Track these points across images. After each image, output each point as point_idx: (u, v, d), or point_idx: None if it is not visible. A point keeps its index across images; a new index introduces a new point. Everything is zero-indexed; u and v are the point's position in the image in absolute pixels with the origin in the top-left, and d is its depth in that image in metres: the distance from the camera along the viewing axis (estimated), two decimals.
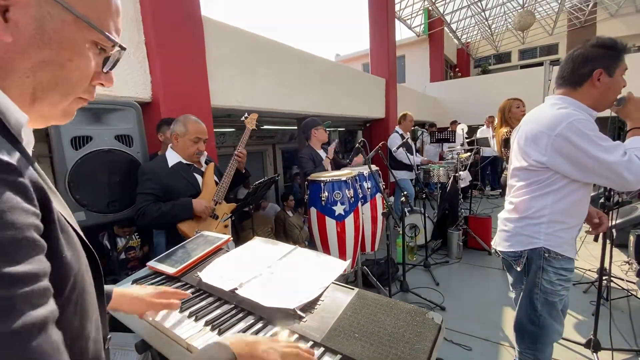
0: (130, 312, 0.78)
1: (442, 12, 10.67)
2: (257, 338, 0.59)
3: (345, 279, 3.15)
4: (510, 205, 1.45)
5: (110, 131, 1.83)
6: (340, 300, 0.76)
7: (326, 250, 2.40)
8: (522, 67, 13.77)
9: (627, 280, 2.80)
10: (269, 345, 0.58)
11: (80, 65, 0.43)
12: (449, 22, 11.57)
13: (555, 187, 1.27)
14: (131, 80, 2.39)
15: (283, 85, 3.82)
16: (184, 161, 1.78)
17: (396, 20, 8.05)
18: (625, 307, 2.46)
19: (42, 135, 1.78)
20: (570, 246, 1.34)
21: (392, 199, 5.06)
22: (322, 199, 2.30)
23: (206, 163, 1.93)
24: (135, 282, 1.03)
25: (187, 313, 0.82)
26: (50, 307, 0.32)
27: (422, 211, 3.70)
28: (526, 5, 11.06)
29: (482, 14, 11.59)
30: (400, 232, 3.04)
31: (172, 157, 1.78)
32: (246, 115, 2.07)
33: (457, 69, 14.33)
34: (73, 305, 0.39)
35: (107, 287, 0.74)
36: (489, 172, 7.07)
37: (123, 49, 0.48)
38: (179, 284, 0.99)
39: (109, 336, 0.54)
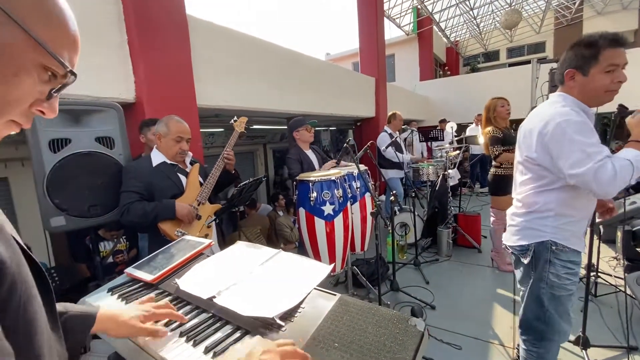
0: (117, 336, 0.73)
1: (430, 10, 10.73)
2: (251, 349, 0.55)
3: (336, 280, 3.14)
4: (517, 201, 1.48)
5: (90, 133, 1.77)
6: (321, 307, 0.74)
7: (315, 250, 2.38)
8: (511, 65, 13.93)
9: (615, 276, 2.84)
10: (260, 353, 0.54)
11: (25, 84, 0.41)
12: (437, 20, 11.64)
13: (559, 183, 1.29)
14: (113, 81, 2.33)
15: (272, 84, 3.78)
16: (168, 161, 1.79)
17: (385, 19, 8.06)
18: (614, 303, 2.49)
19: (24, 138, 1.71)
20: (577, 239, 1.35)
21: (382, 197, 5.07)
22: (311, 199, 2.28)
23: (191, 164, 1.91)
24: (111, 290, 0.98)
25: (161, 323, 0.79)
26: None
27: (412, 210, 3.71)
28: (513, 3, 11.19)
29: (470, 12, 11.69)
30: (390, 231, 3.04)
31: (157, 157, 1.79)
32: (235, 118, 2.05)
33: (447, 68, 14.44)
34: (14, 310, 0.35)
35: (90, 309, 0.70)
36: (479, 170, 7.14)
37: (74, 75, 0.46)
38: (157, 291, 0.96)
39: None
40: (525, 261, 1.41)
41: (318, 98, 4.66)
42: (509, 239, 1.51)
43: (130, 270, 1.05)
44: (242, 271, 0.92)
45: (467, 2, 10.93)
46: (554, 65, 5.62)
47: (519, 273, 1.54)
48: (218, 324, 0.77)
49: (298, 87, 4.22)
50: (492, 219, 3.20)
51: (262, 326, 0.72)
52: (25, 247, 0.43)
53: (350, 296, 2.32)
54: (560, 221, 1.32)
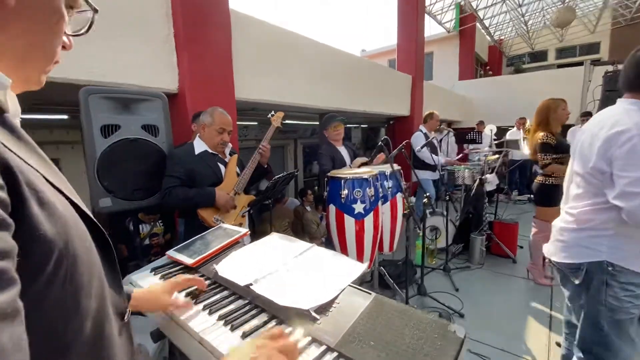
0: (149, 312, 0.81)
1: (474, 7, 10.24)
2: (246, 351, 0.53)
3: (361, 279, 3.11)
4: (569, 216, 1.37)
5: (138, 120, 1.88)
6: (357, 305, 0.74)
7: (344, 248, 2.37)
8: (559, 66, 13.01)
9: None
10: (259, 347, 0.53)
11: (62, 29, 0.43)
12: (482, 17, 11.10)
13: None
14: (159, 72, 2.45)
15: (308, 80, 3.80)
16: (210, 150, 1.87)
17: (426, 15, 7.80)
18: None
19: (76, 123, 1.85)
20: (636, 259, 1.24)
21: (413, 199, 4.95)
22: (342, 196, 2.27)
23: (230, 154, 1.99)
24: (154, 270, 1.04)
25: (201, 306, 0.82)
26: (7, 296, 0.28)
27: (445, 213, 3.59)
28: (567, 0, 10.41)
29: (519, 9, 11.02)
30: (421, 233, 2.96)
31: (199, 146, 1.87)
32: (272, 113, 2.08)
33: (488, 67, 13.76)
34: (60, 282, 0.37)
35: (126, 288, 0.74)
36: (517, 177, 6.76)
37: (96, 11, 0.48)
38: (197, 274, 1.00)
39: (127, 310, 0.54)
40: (577, 281, 1.32)
41: (353, 94, 4.62)
42: (556, 254, 1.41)
43: (171, 252, 1.10)
44: (278, 262, 0.93)
45: (515, 0, 10.31)
46: (610, 67, 5.17)
47: (567, 291, 1.45)
48: (254, 312, 0.79)
49: (333, 83, 4.21)
50: (533, 229, 3.01)
51: (297, 317, 0.73)
52: (83, 207, 0.45)
53: None
54: (618, 241, 1.22)
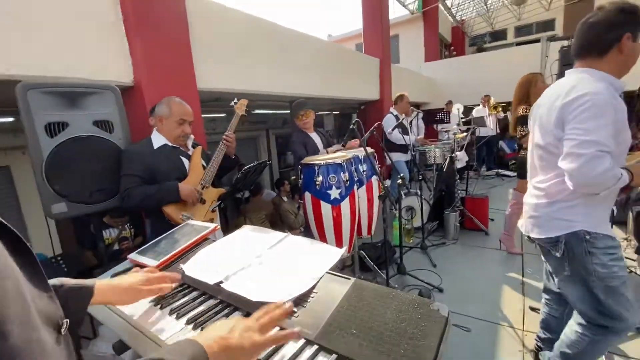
0: (118, 303, 0.76)
1: None
2: (225, 329, 0.54)
3: (342, 264, 3.12)
4: (538, 190, 1.37)
5: (88, 116, 1.72)
6: (336, 292, 0.70)
7: (322, 235, 2.35)
8: (519, 44, 13.51)
9: (626, 257, 2.78)
10: (242, 329, 0.54)
11: None
12: None
13: None
14: (110, 62, 2.24)
15: (274, 66, 3.66)
16: (170, 144, 1.74)
17: None
18: None
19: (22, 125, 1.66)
20: (606, 224, 1.28)
21: (388, 181, 5.01)
22: (317, 183, 2.22)
23: (193, 147, 1.86)
24: (115, 276, 0.95)
25: (168, 310, 0.75)
26: None
27: (419, 193, 3.65)
28: None
29: None
30: (397, 214, 2.99)
31: (158, 140, 1.74)
32: (235, 100, 1.98)
33: (452, 48, 14.05)
34: None
35: (87, 281, 0.71)
36: (485, 153, 7.02)
37: None
38: None
39: (63, 321, 0.48)
40: (558, 254, 1.31)
41: (321, 80, 4.53)
42: (533, 230, 1.41)
43: (133, 256, 1.01)
44: (250, 255, 0.88)
45: None
46: (565, 42, 5.42)
47: (550, 265, 1.46)
48: (227, 311, 0.73)
49: (301, 69, 4.09)
50: (512, 201, 3.08)
51: None
52: None
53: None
54: (590, 208, 1.24)
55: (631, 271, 2.57)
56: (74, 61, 2.04)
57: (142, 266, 0.97)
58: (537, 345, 1.81)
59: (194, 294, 0.81)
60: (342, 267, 3.12)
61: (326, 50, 4.80)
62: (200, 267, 0.87)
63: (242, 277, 0.79)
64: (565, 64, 5.13)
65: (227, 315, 0.72)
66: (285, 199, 4.56)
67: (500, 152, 7.65)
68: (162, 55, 2.43)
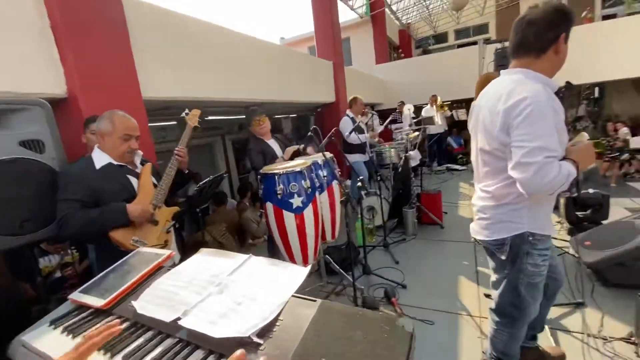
0: None
1: None
2: None
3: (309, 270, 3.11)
4: (485, 193, 1.37)
5: (12, 137, 1.50)
6: (302, 318, 0.68)
7: (286, 244, 2.31)
8: (459, 46, 14.54)
9: (560, 239, 3.11)
10: None
11: None
12: (389, 2, 11.72)
13: None
14: (38, 73, 2.01)
15: (224, 72, 3.54)
16: (115, 162, 1.57)
17: (338, 1, 7.91)
18: (560, 264, 2.73)
19: None
20: (549, 223, 1.32)
21: (349, 182, 5.10)
22: (278, 192, 2.18)
23: (142, 164, 1.71)
24: (54, 322, 0.84)
25: (119, 358, 0.68)
26: None
27: (378, 193, 3.76)
28: None
29: None
30: (359, 215, 3.05)
31: (100, 158, 1.56)
32: (187, 111, 1.86)
33: (400, 50, 14.71)
34: None
35: None
36: (435, 149, 7.46)
37: None
38: (111, 317, 0.83)
39: None
40: (503, 257, 1.34)
41: (275, 84, 4.48)
42: (480, 232, 1.42)
43: (75, 295, 0.91)
44: (209, 284, 0.83)
45: None
46: (498, 45, 5.94)
47: (492, 263, 1.49)
48: (186, 351, 0.68)
49: (254, 74, 4.01)
50: None
51: (238, 347, 0.64)
52: None
53: (325, 285, 2.29)
54: (535, 210, 1.26)
55: (565, 252, 2.87)
56: None
57: (86, 307, 0.88)
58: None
59: (149, 334, 0.75)
60: (309, 274, 3.10)
61: (279, 54, 4.76)
62: (155, 302, 0.80)
63: (202, 310, 0.74)
64: (500, 64, 5.64)
65: (187, 357, 0.66)
66: (247, 206, 4.44)
67: (448, 147, 8.17)
68: (98, 62, 2.23)
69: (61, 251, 2.66)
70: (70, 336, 0.78)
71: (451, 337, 2.10)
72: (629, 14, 10.06)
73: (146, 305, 0.80)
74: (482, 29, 15.55)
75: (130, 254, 1.08)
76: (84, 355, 0.59)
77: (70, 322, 0.83)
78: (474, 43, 9.42)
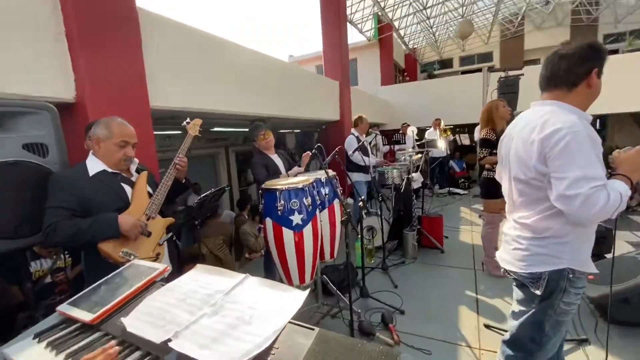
0: None
1: (390, 17, 11.07)
2: None
3: (305, 290, 3.04)
4: (522, 226, 1.30)
5: (17, 139, 1.50)
6: (298, 347, 0.65)
7: (283, 262, 2.27)
8: (463, 72, 14.86)
9: None
10: None
11: None
12: (397, 27, 12.06)
13: None
14: (49, 78, 2.04)
15: (233, 85, 3.59)
16: (109, 169, 1.53)
17: (348, 23, 8.15)
18: None
19: None
20: (590, 260, 1.24)
21: (350, 200, 5.08)
22: (279, 208, 2.16)
23: (137, 172, 1.66)
24: (38, 336, 0.81)
25: None
26: None
27: (379, 213, 3.73)
28: (465, 15, 11.93)
29: (427, 21, 12.26)
30: (359, 235, 3.01)
31: (94, 165, 1.52)
32: (188, 120, 1.86)
33: (406, 74, 15.02)
34: None
35: None
36: (437, 172, 7.46)
37: None
38: (99, 333, 0.80)
39: None
40: (538, 292, 1.24)
41: (281, 100, 4.54)
42: (513, 263, 1.33)
43: (63, 307, 0.87)
44: (203, 304, 0.79)
45: (424, 12, 11.45)
46: (502, 74, 6.07)
47: (519, 294, 1.38)
48: None
49: (261, 89, 4.07)
50: (483, 223, 3.19)
51: None
52: None
53: (320, 306, 2.22)
54: (577, 245, 1.20)
55: None
56: (6, 76, 1.82)
57: (74, 320, 0.84)
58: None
59: (137, 354, 0.71)
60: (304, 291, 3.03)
61: (287, 71, 4.85)
62: (145, 320, 0.77)
63: (194, 332, 0.71)
64: (502, 92, 5.75)
65: None
66: (246, 218, 4.40)
67: (450, 171, 8.18)
68: (110, 70, 2.27)
69: (54, 255, 2.61)
70: (54, 352, 0.75)
71: None
72: (630, 51, 10.34)
73: (136, 323, 0.76)
74: (486, 57, 15.94)
75: (125, 266, 1.05)
76: None
77: (56, 336, 0.80)
78: (479, 70, 9.63)
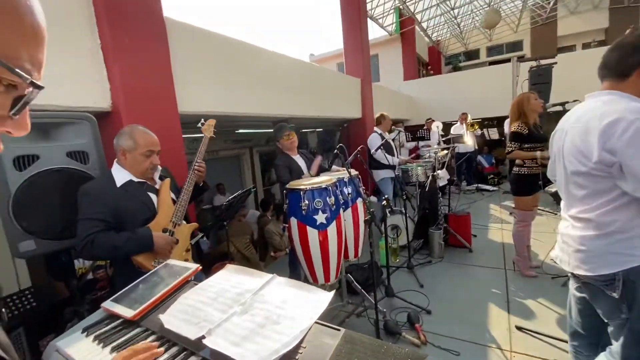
0: None
1: (412, 10, 10.82)
2: None
3: (330, 288, 3.06)
4: (581, 222, 1.23)
5: (61, 148, 1.64)
6: (325, 347, 0.67)
7: (308, 260, 2.30)
8: (491, 63, 14.25)
9: None
10: None
11: None
12: (419, 20, 11.77)
13: None
14: (87, 89, 2.19)
15: (255, 88, 3.67)
16: (135, 179, 1.57)
17: (368, 19, 8.05)
18: None
19: None
20: None
21: (373, 198, 5.04)
22: (303, 208, 2.20)
23: (160, 179, 1.71)
24: (86, 330, 0.88)
25: None
26: None
27: (403, 211, 3.68)
28: (492, 3, 11.43)
29: (451, 12, 11.86)
30: (383, 235, 2.99)
31: (121, 175, 1.55)
32: (202, 122, 1.92)
33: (430, 67, 14.64)
34: None
35: None
36: (465, 168, 7.23)
37: (38, 87, 0.36)
38: (139, 329, 0.86)
39: None
40: (616, 295, 1.14)
41: (303, 100, 4.58)
42: (579, 267, 1.23)
43: (107, 304, 0.95)
44: (234, 303, 0.83)
45: (448, 2, 11.09)
46: (533, 63, 5.75)
47: (601, 308, 1.25)
48: None
49: (284, 91, 4.13)
50: (514, 221, 3.08)
51: None
52: None
53: (345, 304, 2.24)
54: None
55: None
56: (49, 89, 1.96)
57: (117, 316, 0.91)
58: None
59: (174, 349, 0.76)
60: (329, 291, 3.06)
61: (308, 71, 4.88)
62: (181, 318, 0.82)
63: (226, 329, 0.74)
64: (534, 83, 5.45)
65: None
66: (270, 218, 4.49)
67: (479, 167, 7.90)
68: (142, 79, 2.39)
69: None
70: (101, 345, 0.81)
71: None
72: None
73: (172, 320, 0.81)
74: (516, 46, 15.20)
75: (160, 265, 1.11)
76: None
77: (102, 330, 0.87)
78: (507, 60, 9.20)
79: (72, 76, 2.09)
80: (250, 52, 3.66)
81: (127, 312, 0.88)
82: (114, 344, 0.81)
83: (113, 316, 0.92)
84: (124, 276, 1.27)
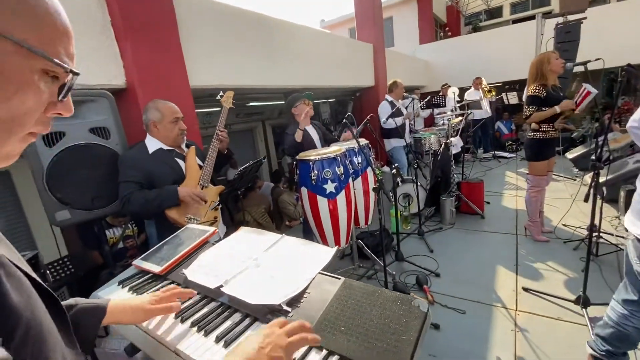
0: (129, 323, 0.77)
1: None
2: (253, 344, 0.53)
3: (342, 253, 3.20)
4: None
5: (84, 124, 1.75)
6: (326, 292, 0.76)
7: (320, 228, 2.41)
8: (514, 21, 13.30)
9: (616, 235, 2.87)
10: (269, 345, 0.53)
11: (29, 96, 0.39)
12: None
13: None
14: (102, 66, 2.25)
15: (266, 59, 3.65)
16: (165, 147, 1.78)
17: None
18: (615, 261, 2.53)
19: None
20: None
21: (386, 168, 5.05)
22: (312, 178, 2.27)
23: (187, 147, 1.90)
24: (121, 282, 1.01)
25: (172, 314, 0.81)
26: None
27: (415, 180, 3.70)
28: None
29: None
30: (394, 203, 3.05)
31: (153, 144, 1.77)
32: (221, 94, 1.99)
33: (447, 29, 13.82)
34: (29, 351, 0.37)
35: (100, 301, 0.72)
36: (480, 135, 7.04)
37: (76, 74, 0.43)
38: (166, 282, 0.98)
39: None
40: None
41: (314, 70, 4.51)
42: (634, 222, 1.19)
43: (138, 262, 1.07)
44: (247, 258, 0.93)
45: None
46: (560, 19, 5.34)
47: None
48: (227, 313, 0.79)
49: (294, 60, 4.07)
50: (527, 186, 3.02)
51: (270, 312, 0.74)
52: (35, 277, 0.44)
53: (357, 268, 2.36)
54: None
55: (620, 248, 2.65)
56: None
57: (146, 272, 1.03)
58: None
59: (197, 297, 0.87)
60: (341, 257, 3.20)
61: (318, 39, 4.75)
62: (202, 272, 0.93)
63: (241, 280, 0.85)
64: (560, 41, 5.11)
65: (227, 317, 0.78)
66: (283, 189, 4.62)
67: (497, 133, 7.67)
68: (152, 54, 2.43)
69: (123, 224, 3.02)
70: (135, 294, 0.94)
71: (483, 327, 2.07)
72: None
73: (194, 273, 0.92)
74: (543, 0, 14.02)
75: (181, 230, 1.23)
76: (169, 299, 0.79)
77: (135, 282, 1.00)
78: (532, 17, 8.57)
79: (87, 55, 2.16)
80: (259, 21, 3.60)
81: (155, 268, 1.01)
82: (146, 294, 0.94)
83: (143, 272, 1.05)
84: (164, 231, 1.47)
